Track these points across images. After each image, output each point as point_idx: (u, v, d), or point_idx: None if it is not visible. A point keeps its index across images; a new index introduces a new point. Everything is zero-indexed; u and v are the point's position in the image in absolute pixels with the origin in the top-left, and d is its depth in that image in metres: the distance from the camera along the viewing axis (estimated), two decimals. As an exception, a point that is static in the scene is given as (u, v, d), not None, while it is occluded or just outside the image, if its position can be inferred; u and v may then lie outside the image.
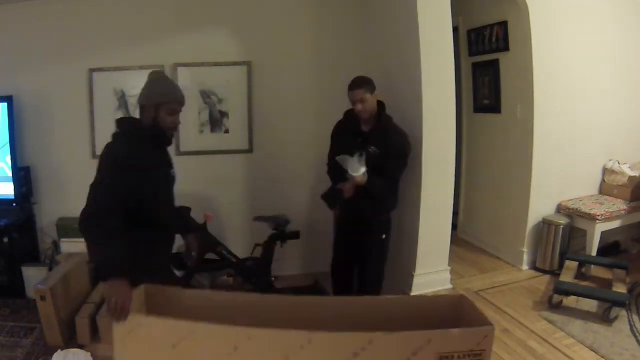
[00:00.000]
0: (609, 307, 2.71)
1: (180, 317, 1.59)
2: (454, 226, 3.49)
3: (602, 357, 2.37)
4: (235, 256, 3.13)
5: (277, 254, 3.24)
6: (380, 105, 2.71)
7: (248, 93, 3.75)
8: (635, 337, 2.53)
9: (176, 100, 2.04)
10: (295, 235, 3.25)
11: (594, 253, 3.38)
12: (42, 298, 2.77)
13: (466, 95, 4.14)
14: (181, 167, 3.72)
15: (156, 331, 1.58)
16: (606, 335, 2.55)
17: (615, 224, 3.42)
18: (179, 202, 3.35)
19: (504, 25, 3.54)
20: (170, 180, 2.11)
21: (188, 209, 2.99)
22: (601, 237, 3.38)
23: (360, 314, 1.84)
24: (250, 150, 3.83)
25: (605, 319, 2.69)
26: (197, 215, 3.28)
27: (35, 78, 3.53)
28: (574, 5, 3.41)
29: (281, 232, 3.20)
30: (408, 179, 3.10)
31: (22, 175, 3.50)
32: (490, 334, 1.54)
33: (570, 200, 3.57)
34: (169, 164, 2.15)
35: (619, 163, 3.66)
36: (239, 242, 3.54)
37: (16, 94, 3.45)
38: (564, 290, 2.88)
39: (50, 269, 3.48)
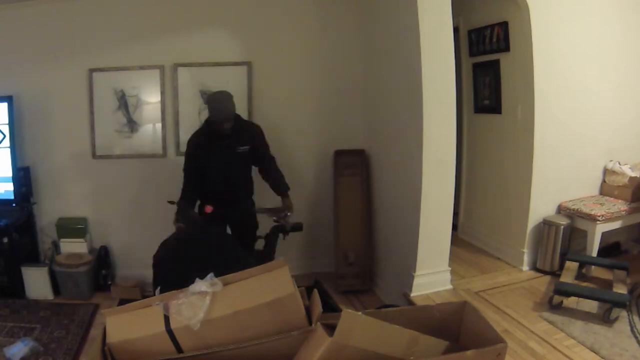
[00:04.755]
0: (609, 308, 2.70)
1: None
2: (454, 226, 3.48)
3: (603, 357, 2.36)
4: (241, 250, 3.11)
5: (276, 254, 3.24)
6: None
7: (248, 93, 3.75)
8: (636, 337, 2.53)
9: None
10: (298, 227, 3.22)
11: (595, 254, 3.37)
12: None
13: (466, 96, 4.14)
14: (181, 167, 3.76)
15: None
16: (606, 336, 2.54)
17: (616, 225, 3.41)
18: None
19: (504, 25, 3.54)
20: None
21: None
22: (602, 238, 3.37)
23: None
24: (250, 151, 3.82)
25: (605, 319, 2.69)
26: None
27: (35, 78, 3.54)
28: (575, 5, 3.40)
29: (283, 223, 3.18)
30: (408, 179, 3.10)
31: (22, 175, 3.50)
32: (502, 351, 1.54)
33: (571, 200, 3.57)
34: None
35: (619, 164, 3.65)
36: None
37: (16, 94, 3.45)
38: (564, 291, 2.87)
39: (50, 269, 3.48)
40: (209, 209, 3.07)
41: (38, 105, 3.57)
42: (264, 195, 3.72)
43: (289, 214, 3.17)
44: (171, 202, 3.23)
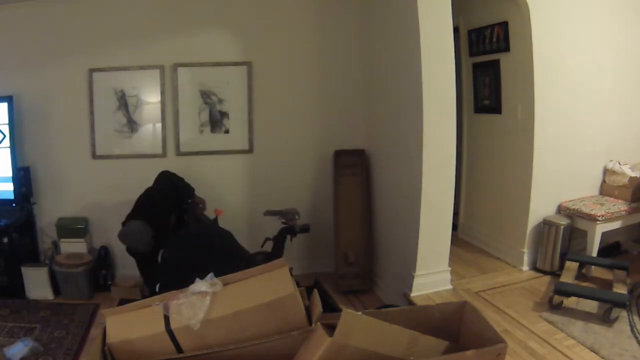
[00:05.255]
0: (609, 308, 2.70)
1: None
2: (454, 226, 3.48)
3: (603, 357, 2.36)
4: (246, 251, 3.14)
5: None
6: None
7: (248, 93, 3.75)
8: (636, 337, 2.53)
9: None
10: (306, 228, 3.24)
11: (595, 254, 3.37)
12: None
13: (466, 96, 4.14)
14: (181, 167, 3.77)
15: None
16: (607, 336, 2.54)
17: (616, 225, 3.41)
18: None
19: (504, 25, 3.54)
20: None
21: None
22: (602, 238, 3.37)
23: None
24: (250, 150, 3.83)
25: (605, 319, 2.69)
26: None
27: (35, 78, 3.54)
28: (575, 5, 3.40)
29: (292, 225, 3.19)
30: (408, 179, 3.10)
31: (22, 175, 3.50)
32: (502, 351, 1.54)
33: (571, 200, 3.57)
34: None
35: (619, 164, 3.65)
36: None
37: (16, 94, 3.45)
38: (564, 291, 2.87)
39: (50, 269, 3.48)
40: (219, 211, 3.09)
41: (38, 105, 3.57)
42: (273, 198, 3.74)
43: (297, 216, 3.19)
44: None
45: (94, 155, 3.70)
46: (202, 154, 3.78)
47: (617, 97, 3.67)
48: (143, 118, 3.71)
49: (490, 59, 3.78)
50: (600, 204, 3.47)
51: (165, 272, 2.40)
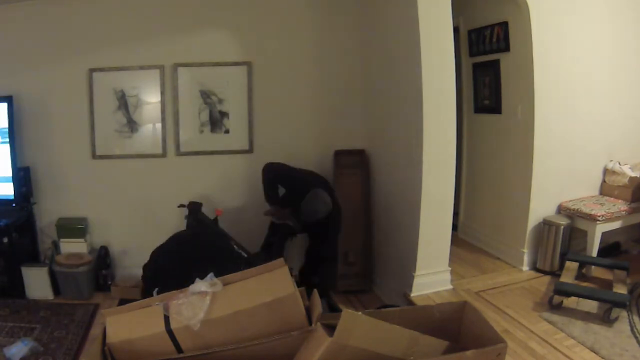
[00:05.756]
0: (609, 308, 2.71)
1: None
2: (454, 226, 3.48)
3: (603, 357, 2.36)
4: (246, 251, 3.13)
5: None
6: None
7: (248, 93, 3.75)
8: (636, 337, 2.53)
9: None
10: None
11: (595, 254, 3.37)
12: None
13: (466, 96, 4.14)
14: (181, 167, 3.78)
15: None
16: (606, 336, 2.54)
17: (616, 225, 3.41)
18: (181, 199, 3.36)
19: (504, 25, 3.54)
20: None
21: (199, 204, 3.05)
22: (602, 238, 3.38)
23: None
24: (250, 150, 3.83)
25: (605, 319, 2.69)
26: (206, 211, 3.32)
27: (35, 78, 3.54)
28: (575, 5, 3.40)
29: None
30: (408, 179, 3.10)
31: (21, 175, 3.50)
32: (502, 351, 1.54)
33: (571, 200, 3.57)
34: None
35: (619, 164, 3.65)
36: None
37: (16, 94, 3.45)
38: (564, 291, 2.87)
39: (50, 269, 3.48)
40: (219, 211, 3.08)
41: (38, 105, 3.57)
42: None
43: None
44: (182, 206, 3.26)
45: (94, 155, 3.70)
46: (202, 154, 3.77)
47: (617, 97, 3.67)
48: (143, 118, 3.71)
49: (490, 59, 3.78)
50: (600, 204, 3.47)
51: (164, 275, 2.40)
